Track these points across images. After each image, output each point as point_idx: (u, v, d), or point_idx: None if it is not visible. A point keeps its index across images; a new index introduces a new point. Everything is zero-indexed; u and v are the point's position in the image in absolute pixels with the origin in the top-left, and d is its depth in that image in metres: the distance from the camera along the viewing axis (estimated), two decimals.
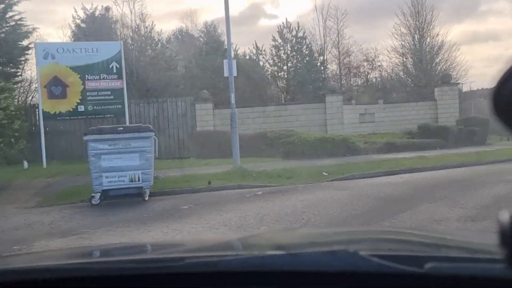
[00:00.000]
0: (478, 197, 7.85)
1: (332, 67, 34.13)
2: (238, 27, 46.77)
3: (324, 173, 12.66)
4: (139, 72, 21.32)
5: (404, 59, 31.01)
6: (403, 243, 1.58)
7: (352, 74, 34.31)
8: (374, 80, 34.40)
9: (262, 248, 1.47)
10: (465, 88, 34.58)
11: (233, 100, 12.32)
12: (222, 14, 56.41)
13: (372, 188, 9.71)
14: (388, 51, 31.66)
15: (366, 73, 33.27)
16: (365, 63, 34.37)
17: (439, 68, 30.40)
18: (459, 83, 26.52)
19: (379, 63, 32.80)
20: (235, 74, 12.34)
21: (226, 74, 12.29)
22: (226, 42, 15.20)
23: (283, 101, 24.82)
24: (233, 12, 61.84)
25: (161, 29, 39.22)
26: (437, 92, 25.35)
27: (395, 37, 30.86)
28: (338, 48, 33.56)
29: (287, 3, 55.29)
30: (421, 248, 1.49)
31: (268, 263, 1.12)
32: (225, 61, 12.34)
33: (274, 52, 25.30)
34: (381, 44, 34.04)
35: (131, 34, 23.28)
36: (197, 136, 18.75)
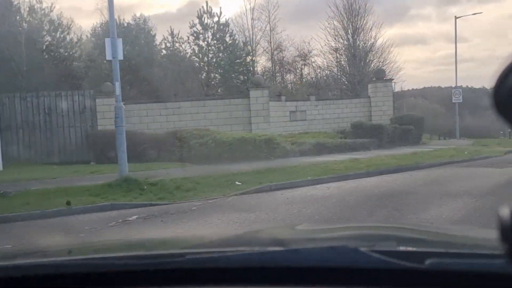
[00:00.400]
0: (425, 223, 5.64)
1: (265, 62, 31.99)
2: (176, 24, 43.45)
3: (237, 183, 10.16)
4: (31, 60, 17.73)
5: (338, 55, 29.39)
6: (403, 239, 1.55)
7: (285, 70, 32.30)
8: (308, 77, 32.68)
9: (263, 244, 1.44)
10: (397, 88, 33.76)
11: (118, 91, 9.47)
12: (158, 11, 52.73)
13: (288, 207, 7.29)
14: (321, 45, 29.90)
15: (300, 69, 31.37)
16: (299, 59, 32.53)
17: (372, 65, 29.15)
18: (392, 79, 25.17)
19: (313, 60, 31.02)
20: (120, 57, 9.48)
21: (108, 56, 9.42)
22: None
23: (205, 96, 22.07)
24: (170, 8, 58.25)
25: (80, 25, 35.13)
26: (370, 88, 23.80)
27: (328, 31, 29.16)
28: (271, 42, 31.47)
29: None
30: (421, 244, 1.47)
31: (269, 259, 1.12)
32: (107, 40, 9.44)
33: (193, 40, 22.44)
34: (315, 40, 32.31)
35: (25, 16, 19.57)
36: (97, 136, 15.61)
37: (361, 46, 28.82)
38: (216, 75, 21.40)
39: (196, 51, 22.40)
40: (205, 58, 22.09)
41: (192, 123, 16.97)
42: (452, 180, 9.65)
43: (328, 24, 29.04)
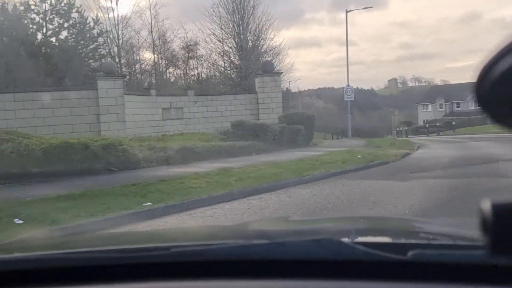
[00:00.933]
0: None
1: (147, 55, 27.69)
2: None
3: (16, 221, 6.12)
4: None
5: (225, 47, 26.07)
6: (387, 231, 1.58)
7: (171, 63, 28.26)
8: (195, 71, 28.98)
9: (248, 237, 1.44)
10: (294, 89, 31.83)
11: None
12: None
13: None
14: (206, 35, 26.36)
15: (185, 62, 27.56)
16: (184, 51, 28.73)
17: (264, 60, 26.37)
18: (281, 72, 22.45)
19: (200, 52, 27.38)
20: None
21: None
22: None
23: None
24: None
25: None
26: (257, 83, 20.83)
27: (214, 19, 25.73)
28: (152, 31, 27.27)
29: None
30: (404, 235, 1.49)
31: (253, 252, 1.13)
32: None
33: (22, 14, 17.33)
34: (201, 31, 28.78)
35: None
36: None
37: (249, 37, 25.83)
38: (58, 59, 16.64)
39: (31, 27, 17.26)
40: (39, 36, 17.02)
41: (16, 123, 12.40)
42: (343, 205, 6.59)
43: (214, 11, 25.67)
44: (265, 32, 25.92)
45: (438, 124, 35.00)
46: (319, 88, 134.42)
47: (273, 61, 27.83)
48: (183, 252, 1.14)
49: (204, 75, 28.94)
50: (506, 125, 0.60)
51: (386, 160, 12.47)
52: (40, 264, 1.15)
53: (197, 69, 29.55)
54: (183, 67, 27.81)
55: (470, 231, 1.25)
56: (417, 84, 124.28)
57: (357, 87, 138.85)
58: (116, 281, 1.08)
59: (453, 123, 34.13)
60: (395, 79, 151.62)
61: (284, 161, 11.86)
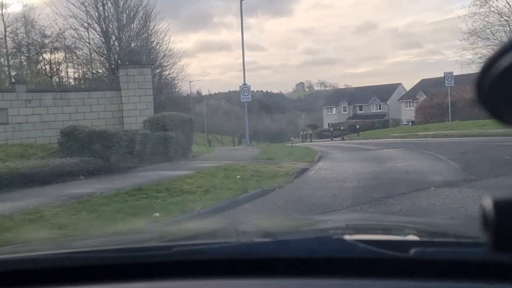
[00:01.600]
0: None
1: None
2: None
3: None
4: None
5: (89, 34, 20.58)
6: (388, 229, 1.58)
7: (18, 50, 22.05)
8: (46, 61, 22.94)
9: (249, 236, 1.46)
10: (204, 92, 27.41)
11: None
12: None
13: None
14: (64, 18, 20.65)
15: (36, 50, 21.54)
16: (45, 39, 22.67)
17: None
18: (150, 65, 17.62)
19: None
20: None
21: None
22: None
23: None
24: None
25: None
26: (122, 76, 15.86)
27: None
28: None
29: None
30: (406, 233, 1.48)
31: (255, 250, 1.12)
32: None
33: None
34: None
35: None
36: None
37: (125, 21, 20.65)
38: None
39: None
40: None
41: None
42: None
43: None
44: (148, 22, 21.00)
45: (342, 127, 32.62)
46: (230, 91, 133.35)
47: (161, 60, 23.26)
48: (185, 251, 1.13)
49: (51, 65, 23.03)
50: (503, 121, 0.59)
51: (271, 186, 8.34)
52: (41, 264, 1.13)
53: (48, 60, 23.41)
54: (33, 57, 21.73)
55: (472, 228, 1.24)
56: (322, 88, 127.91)
57: (267, 91, 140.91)
58: (118, 280, 1.06)
59: (357, 126, 31.89)
60: (302, 83, 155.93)
61: (104, 196, 7.16)
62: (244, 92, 23.11)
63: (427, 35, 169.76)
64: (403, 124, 43.76)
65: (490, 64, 0.54)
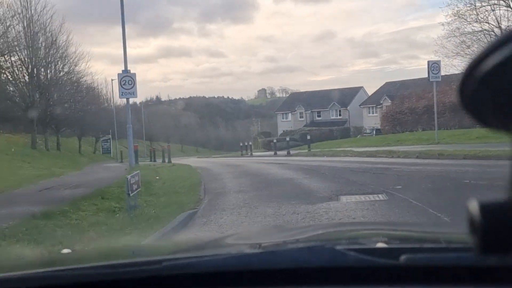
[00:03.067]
0: None
1: None
2: None
3: None
4: None
5: None
6: (378, 236, 1.53)
7: None
8: None
9: (240, 247, 1.43)
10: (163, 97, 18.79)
11: None
12: None
13: None
14: None
15: None
16: None
17: None
18: None
19: None
20: None
21: None
22: None
23: None
24: None
25: None
26: None
27: None
28: None
29: None
30: (396, 240, 1.49)
31: (246, 262, 1.10)
32: None
33: None
34: None
35: None
36: None
37: None
38: None
39: None
40: None
41: None
42: None
43: None
44: None
45: (288, 138, 24.19)
46: (190, 97, 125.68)
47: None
48: (175, 265, 1.12)
49: None
50: (487, 126, 0.58)
51: None
52: (31, 282, 1.11)
53: None
54: None
55: (460, 232, 1.23)
56: (284, 94, 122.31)
57: (228, 97, 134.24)
58: None
59: (308, 136, 23.50)
60: (264, 90, 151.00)
61: None
62: (124, 84, 14.35)
63: (383, 45, 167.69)
64: (366, 133, 36.10)
65: (474, 66, 0.52)
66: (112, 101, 46.40)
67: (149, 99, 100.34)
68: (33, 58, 24.37)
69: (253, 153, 27.63)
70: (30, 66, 24.42)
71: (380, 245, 1.26)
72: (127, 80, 14.26)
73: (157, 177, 11.77)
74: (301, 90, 72.47)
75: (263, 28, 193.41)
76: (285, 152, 22.97)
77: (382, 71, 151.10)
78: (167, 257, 1.25)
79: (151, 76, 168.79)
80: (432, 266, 0.98)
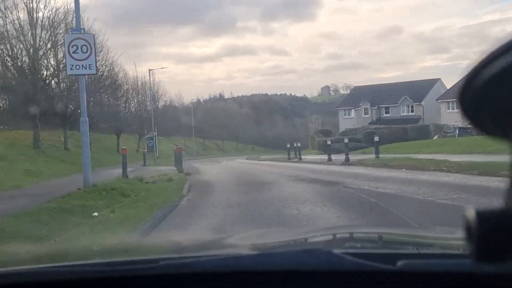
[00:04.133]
0: None
1: None
2: None
3: None
4: None
5: None
6: (376, 241, 1.55)
7: None
8: None
9: (237, 249, 1.39)
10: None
11: None
12: None
13: None
14: None
15: None
16: None
17: None
18: None
19: None
20: None
21: None
22: None
23: None
24: None
25: None
26: None
27: None
28: None
29: None
30: (393, 245, 1.46)
31: (243, 263, 1.08)
32: None
33: None
34: None
35: None
36: None
37: None
38: None
39: None
40: None
41: None
42: None
43: None
44: None
45: (346, 140, 17.17)
46: (253, 95, 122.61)
47: None
48: (172, 264, 1.10)
49: None
50: (487, 133, 0.57)
51: None
52: (26, 278, 1.09)
53: None
54: None
55: (457, 239, 1.20)
56: (348, 91, 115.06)
57: (290, 94, 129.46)
58: None
59: (376, 137, 16.48)
60: (327, 87, 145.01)
61: None
62: (76, 51, 8.78)
63: (454, 40, 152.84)
64: (449, 133, 28.21)
65: (474, 74, 0.52)
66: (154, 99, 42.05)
67: (212, 96, 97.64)
68: None
69: (304, 157, 21.33)
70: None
71: (378, 249, 1.28)
72: (79, 46, 8.67)
73: None
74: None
75: (326, 25, 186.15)
76: (342, 158, 16.43)
77: (453, 67, 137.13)
78: (164, 256, 1.23)
79: (216, 75, 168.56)
80: (429, 272, 0.97)
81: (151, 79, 41.75)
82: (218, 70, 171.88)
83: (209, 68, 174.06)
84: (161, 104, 47.17)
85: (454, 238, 1.37)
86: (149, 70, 35.33)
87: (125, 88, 38.10)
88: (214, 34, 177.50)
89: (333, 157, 17.14)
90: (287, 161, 21.31)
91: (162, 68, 36.58)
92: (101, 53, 24.20)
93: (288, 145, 23.19)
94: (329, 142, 17.10)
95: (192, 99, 51.35)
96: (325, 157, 19.31)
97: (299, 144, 21.67)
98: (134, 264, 1.11)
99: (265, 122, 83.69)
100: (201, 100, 79.56)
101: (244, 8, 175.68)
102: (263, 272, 1.03)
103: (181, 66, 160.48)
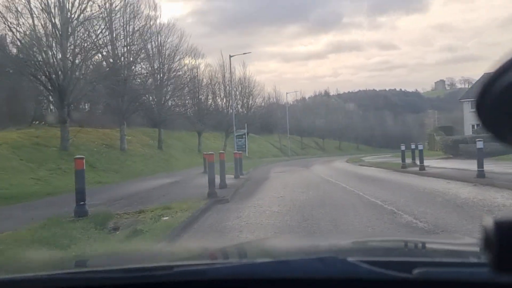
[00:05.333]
0: None
1: None
2: None
3: None
4: None
5: None
6: (391, 249, 1.48)
7: None
8: None
9: (251, 256, 1.39)
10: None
11: None
12: None
13: None
14: None
15: None
16: None
17: None
18: None
19: None
20: None
21: None
22: None
23: None
24: None
25: None
26: None
27: None
28: None
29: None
30: (409, 253, 1.42)
31: (257, 271, 1.04)
32: None
33: None
34: None
35: None
36: None
37: None
38: None
39: None
40: None
41: None
42: None
43: None
44: None
45: (480, 143, 10.09)
46: (359, 91, 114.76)
47: None
48: (186, 271, 1.07)
49: None
50: (505, 142, 0.55)
51: None
52: (44, 284, 1.07)
53: None
54: None
55: (474, 248, 1.16)
56: (466, 86, 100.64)
57: (401, 89, 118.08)
58: None
59: None
60: (442, 81, 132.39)
61: None
62: None
63: None
64: None
65: (491, 83, 0.50)
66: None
67: (317, 93, 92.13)
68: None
69: (427, 163, 14.53)
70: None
71: (393, 257, 1.20)
72: None
73: None
74: None
75: (439, 16, 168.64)
76: (492, 167, 9.51)
77: None
78: (178, 263, 1.19)
79: (321, 72, 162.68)
80: (446, 281, 0.94)
81: (247, 72, 37.61)
82: (323, 68, 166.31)
83: (314, 66, 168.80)
84: (258, 100, 42.92)
85: (471, 247, 1.33)
86: (230, 56, 30.73)
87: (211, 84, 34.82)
88: (320, 31, 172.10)
89: (484, 169, 10.26)
90: (401, 171, 14.75)
91: (244, 53, 34.04)
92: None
93: (403, 147, 16.45)
94: (480, 145, 9.81)
95: (287, 92, 46.27)
96: (460, 164, 12.39)
97: (420, 146, 14.87)
98: (149, 271, 1.07)
99: (372, 119, 75.31)
100: (306, 97, 73.85)
101: (350, 4, 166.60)
102: (278, 279, 1.00)
103: (286, 64, 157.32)
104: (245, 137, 36.58)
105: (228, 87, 35.28)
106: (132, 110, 22.23)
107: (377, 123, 73.82)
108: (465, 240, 1.87)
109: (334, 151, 59.76)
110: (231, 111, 32.25)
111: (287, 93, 49.22)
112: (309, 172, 17.51)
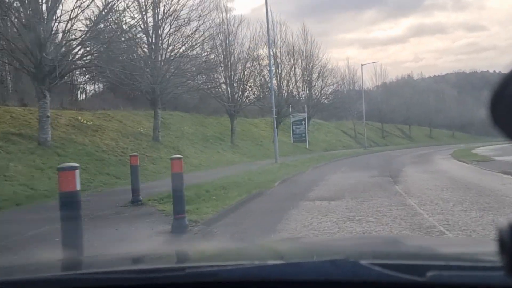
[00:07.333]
0: None
1: None
2: None
3: None
4: None
5: None
6: (404, 252, 1.44)
7: None
8: None
9: (263, 258, 1.32)
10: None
11: None
12: None
13: None
14: None
15: None
16: None
17: None
18: None
19: None
20: None
21: None
22: None
23: None
24: None
25: None
26: None
27: None
28: None
29: None
30: (422, 256, 1.34)
31: (269, 273, 1.03)
32: None
33: None
34: None
35: None
36: None
37: None
38: None
39: None
40: None
41: None
42: None
43: None
44: None
45: None
46: (447, 74, 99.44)
47: None
48: (198, 272, 1.06)
49: None
50: None
51: None
52: (56, 285, 1.07)
53: None
54: None
55: (488, 251, 1.08)
56: None
57: (494, 71, 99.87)
58: None
59: None
60: None
61: None
62: None
63: None
64: None
65: (505, 85, 0.50)
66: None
67: (400, 78, 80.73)
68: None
69: None
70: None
71: (406, 260, 1.18)
72: None
73: None
74: None
75: None
76: None
77: None
78: (190, 265, 1.20)
79: (402, 57, 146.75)
80: (459, 285, 0.91)
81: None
82: (404, 52, 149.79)
83: (395, 51, 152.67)
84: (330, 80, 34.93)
85: (485, 250, 1.29)
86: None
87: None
88: (399, 15, 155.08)
89: None
90: None
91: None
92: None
93: None
94: None
95: (362, 64, 37.10)
96: None
97: None
98: (161, 272, 1.06)
99: (469, 102, 62.36)
100: (387, 82, 63.04)
101: None
102: (289, 282, 0.99)
103: (364, 51, 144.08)
104: (304, 123, 28.78)
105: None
106: None
107: (477, 107, 60.63)
108: (479, 243, 1.83)
109: (424, 140, 49.20)
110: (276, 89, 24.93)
111: (362, 64, 39.86)
112: (397, 199, 7.75)
